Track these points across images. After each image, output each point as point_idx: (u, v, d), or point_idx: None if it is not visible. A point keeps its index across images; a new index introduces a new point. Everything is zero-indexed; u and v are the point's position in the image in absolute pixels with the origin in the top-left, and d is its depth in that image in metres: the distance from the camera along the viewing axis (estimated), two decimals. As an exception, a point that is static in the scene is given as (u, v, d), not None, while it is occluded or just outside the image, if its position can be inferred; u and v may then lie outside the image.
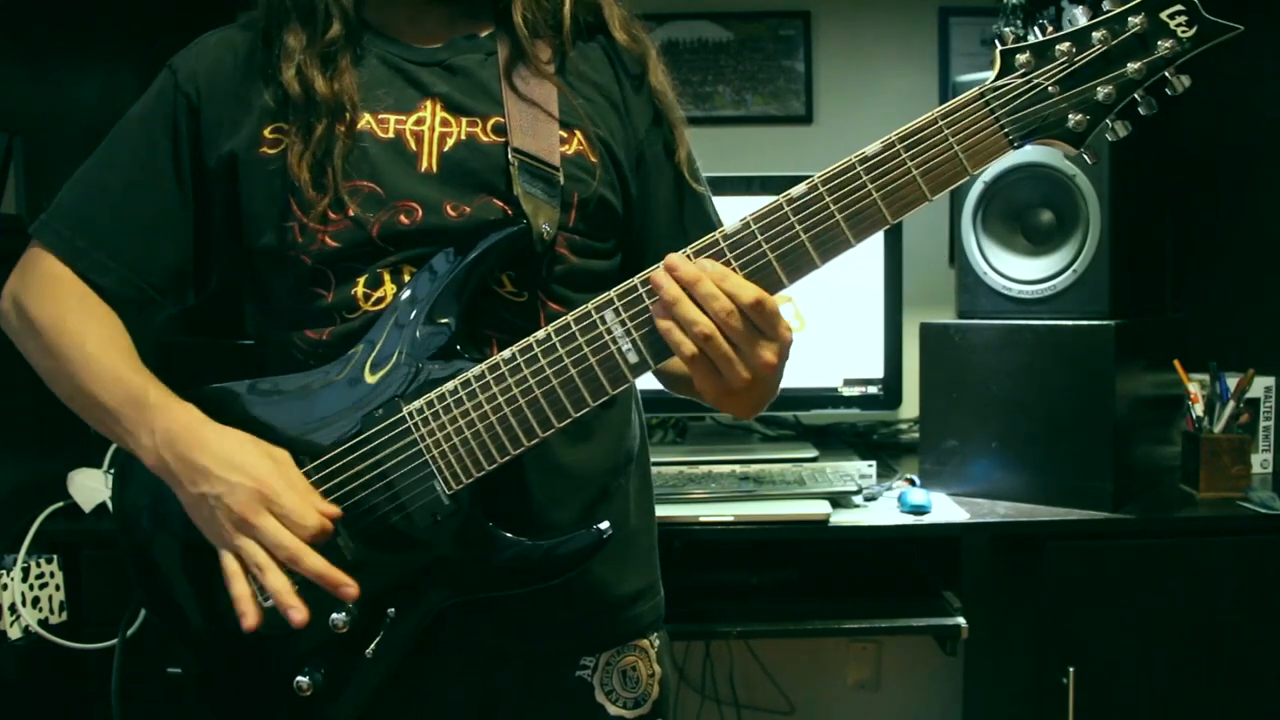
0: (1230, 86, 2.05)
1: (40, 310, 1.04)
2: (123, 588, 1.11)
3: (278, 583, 0.93)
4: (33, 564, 1.67)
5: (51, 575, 1.70)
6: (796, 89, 2.37)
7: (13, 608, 1.63)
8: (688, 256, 0.92)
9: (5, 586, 1.62)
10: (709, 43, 2.36)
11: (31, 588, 1.66)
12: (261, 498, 0.93)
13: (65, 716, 1.75)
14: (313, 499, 0.96)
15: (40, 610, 1.67)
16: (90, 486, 1.77)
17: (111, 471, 1.53)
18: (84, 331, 1.03)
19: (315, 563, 0.94)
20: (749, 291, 0.90)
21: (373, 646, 1.00)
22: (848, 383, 2.12)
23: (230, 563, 0.95)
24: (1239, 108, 2.10)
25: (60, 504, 1.76)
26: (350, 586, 0.95)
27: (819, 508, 1.67)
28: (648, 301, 0.93)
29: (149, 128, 1.07)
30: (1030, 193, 1.78)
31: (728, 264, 0.92)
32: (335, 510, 0.97)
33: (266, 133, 1.04)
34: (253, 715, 1.08)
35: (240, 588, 0.95)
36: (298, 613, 0.93)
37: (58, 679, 1.72)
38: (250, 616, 0.95)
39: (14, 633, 1.64)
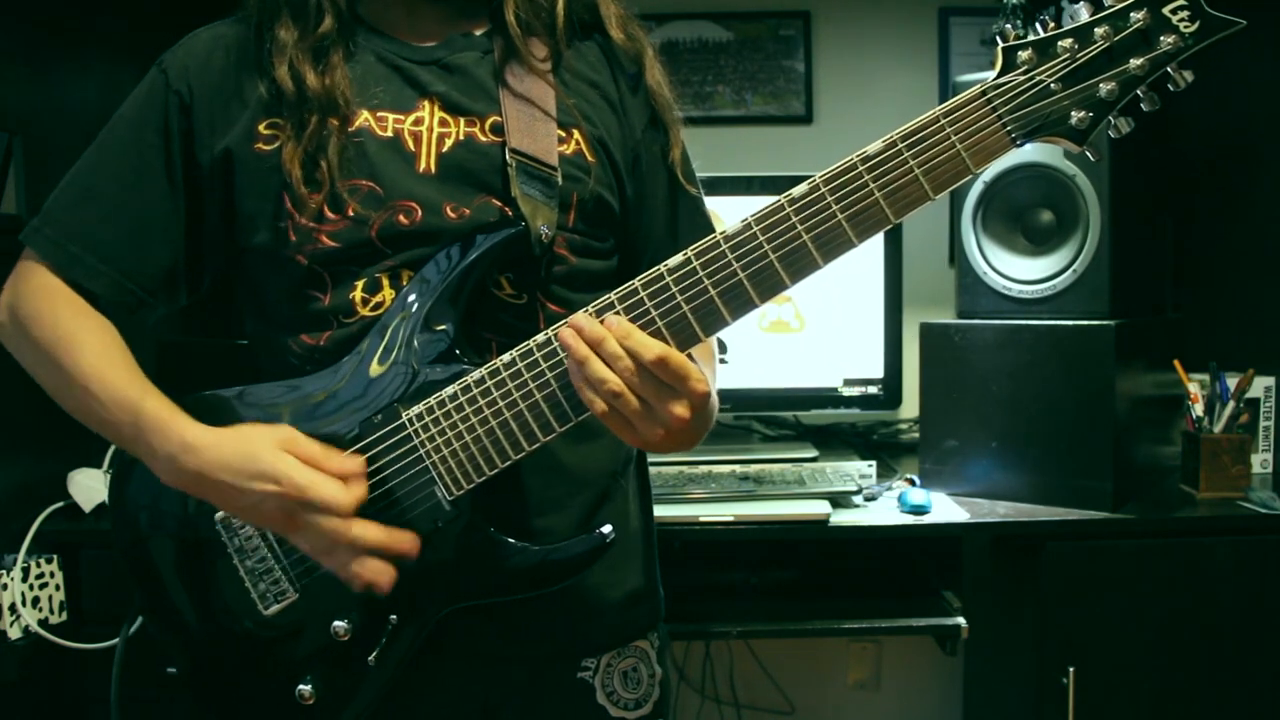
0: (1230, 86, 2.05)
1: (35, 326, 1.03)
2: (123, 588, 1.10)
3: (347, 561, 0.94)
4: (33, 564, 1.67)
5: (51, 575, 1.70)
6: (796, 89, 2.37)
7: (13, 608, 1.63)
8: (590, 314, 0.93)
9: (5, 586, 1.62)
10: (709, 43, 2.36)
11: (31, 588, 1.66)
12: (290, 501, 0.92)
13: (65, 716, 1.75)
14: (334, 463, 0.95)
15: (40, 610, 1.67)
16: (90, 486, 1.77)
17: (110, 471, 1.53)
18: (80, 349, 1.01)
19: (371, 536, 0.93)
20: (651, 350, 0.90)
21: (375, 654, 1.00)
22: (848, 383, 2.11)
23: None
24: (1239, 108, 2.10)
25: (60, 504, 1.76)
26: (413, 542, 0.96)
27: (819, 508, 1.67)
28: (649, 304, 0.93)
29: (139, 128, 1.06)
30: (1030, 193, 1.78)
31: (728, 265, 0.91)
32: (359, 463, 0.96)
33: (262, 128, 1.03)
34: (253, 721, 1.07)
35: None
36: (381, 579, 0.94)
37: (58, 679, 1.72)
38: (384, 577, 0.95)
39: (14, 633, 1.64)
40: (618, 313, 0.93)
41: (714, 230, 0.93)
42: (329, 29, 1.04)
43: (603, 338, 0.90)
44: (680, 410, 0.91)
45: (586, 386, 0.91)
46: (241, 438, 0.96)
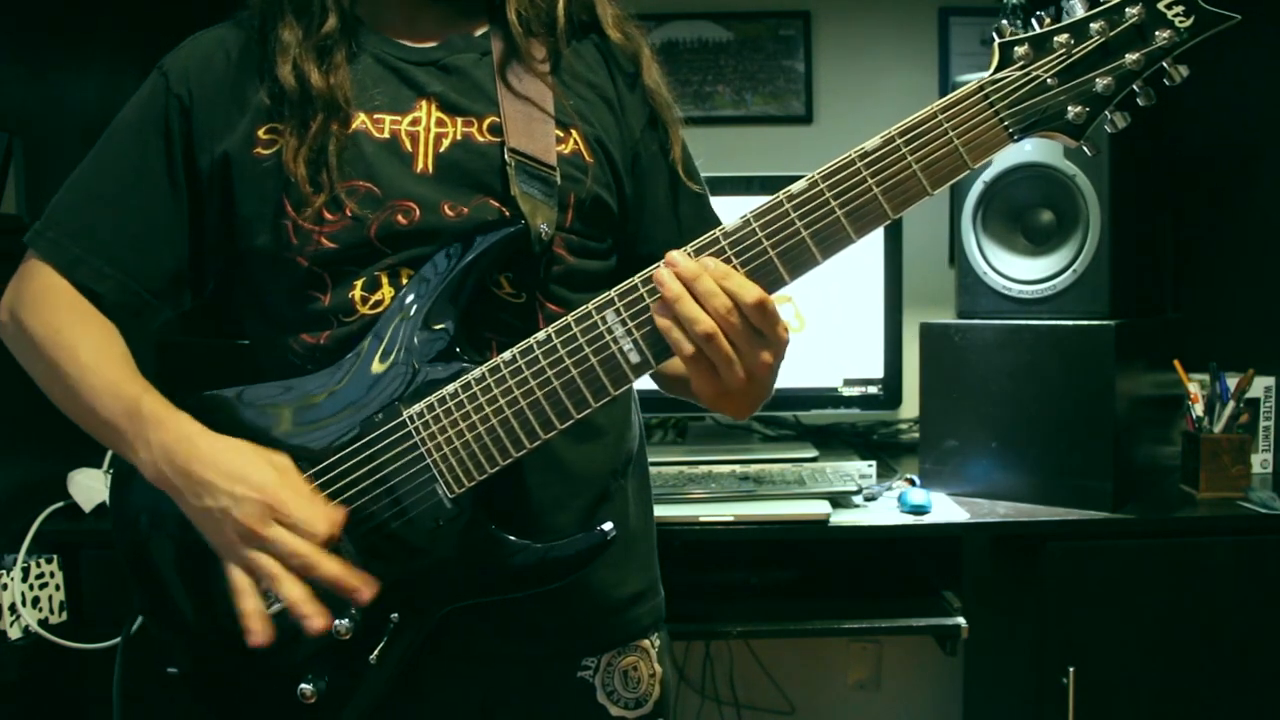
0: (1229, 86, 2.05)
1: (35, 323, 1.03)
2: (123, 588, 1.10)
3: (294, 592, 0.92)
4: (33, 564, 1.67)
5: (51, 575, 1.70)
6: (796, 89, 2.38)
7: (13, 608, 1.63)
8: (689, 254, 0.92)
9: (5, 586, 1.62)
10: (709, 43, 2.37)
11: (31, 588, 1.66)
12: (268, 509, 0.92)
13: (65, 716, 1.75)
14: (318, 504, 0.96)
15: (40, 610, 1.67)
16: (90, 486, 1.77)
17: (110, 472, 1.53)
18: (78, 344, 1.02)
19: (331, 568, 0.93)
20: (751, 291, 0.89)
21: (376, 653, 1.00)
22: (848, 383, 2.12)
23: (239, 578, 0.94)
24: (1238, 107, 2.10)
25: (60, 504, 1.76)
26: (366, 589, 0.95)
27: (819, 508, 1.67)
28: (648, 300, 0.93)
29: (141, 131, 1.06)
30: (1030, 192, 1.78)
31: (729, 262, 0.92)
32: (342, 514, 0.96)
33: (261, 133, 1.04)
34: (255, 720, 1.07)
35: (249, 604, 0.94)
36: (316, 620, 0.93)
37: (57, 679, 1.72)
38: (259, 634, 0.94)
39: (14, 633, 1.64)
40: (617, 310, 0.93)
41: (717, 225, 0.93)
42: (332, 28, 1.04)
43: (698, 274, 0.89)
44: (766, 356, 0.91)
45: (675, 327, 0.90)
46: (240, 447, 0.97)
